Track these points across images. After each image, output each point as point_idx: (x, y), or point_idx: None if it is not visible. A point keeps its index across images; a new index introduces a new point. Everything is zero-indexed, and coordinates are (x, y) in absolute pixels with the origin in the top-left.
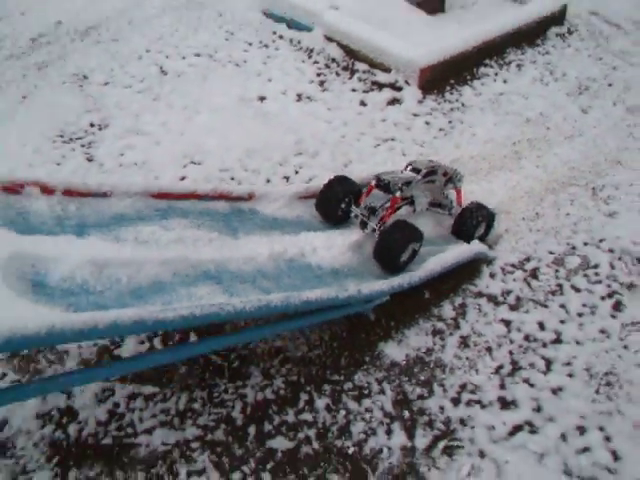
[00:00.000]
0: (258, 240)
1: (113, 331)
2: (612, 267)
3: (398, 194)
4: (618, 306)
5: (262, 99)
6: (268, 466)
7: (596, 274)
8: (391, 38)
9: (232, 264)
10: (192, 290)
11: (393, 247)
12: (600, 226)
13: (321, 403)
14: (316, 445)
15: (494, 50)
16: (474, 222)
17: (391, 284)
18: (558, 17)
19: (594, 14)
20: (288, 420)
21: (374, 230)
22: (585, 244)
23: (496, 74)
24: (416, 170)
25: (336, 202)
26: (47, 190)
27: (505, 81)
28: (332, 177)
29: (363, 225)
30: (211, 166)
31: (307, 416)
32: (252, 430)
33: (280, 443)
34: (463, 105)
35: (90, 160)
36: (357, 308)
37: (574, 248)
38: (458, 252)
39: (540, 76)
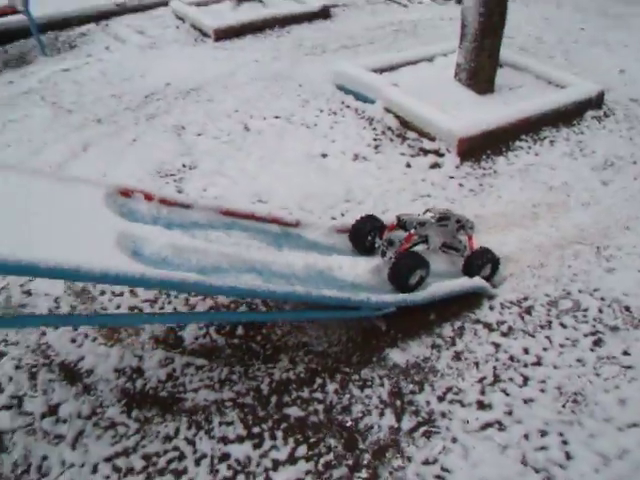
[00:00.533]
0: (297, 254)
1: (179, 287)
2: (600, 311)
3: (413, 231)
4: (598, 342)
5: (324, 156)
6: (282, 426)
7: (584, 316)
8: (437, 112)
9: (274, 266)
10: (240, 276)
11: (403, 271)
12: (597, 278)
13: (331, 387)
14: (322, 416)
15: (531, 127)
16: (480, 262)
17: (396, 298)
18: (596, 101)
19: (634, 101)
20: (303, 396)
21: (391, 258)
22: (580, 291)
23: (529, 147)
24: (432, 215)
25: (364, 235)
26: (148, 197)
27: (537, 154)
28: (363, 215)
29: (383, 254)
30: (274, 204)
31: (318, 395)
32: (274, 399)
33: (294, 411)
34: (495, 172)
35: (179, 191)
36: (367, 313)
37: (569, 294)
38: (460, 282)
39: (570, 152)
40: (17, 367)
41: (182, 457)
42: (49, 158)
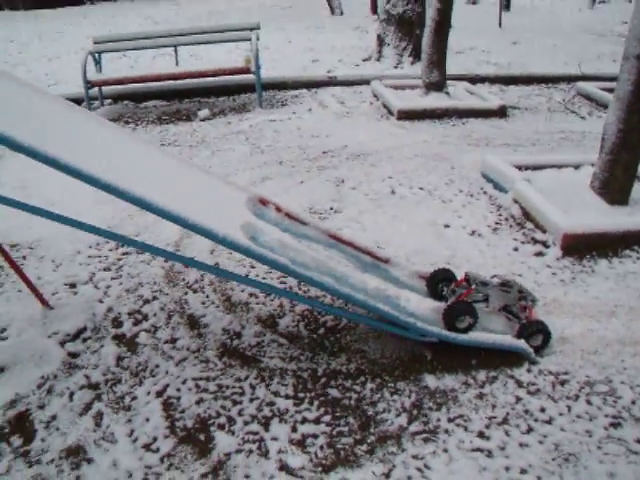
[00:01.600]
0: (376, 280)
1: (270, 264)
2: (633, 403)
3: (473, 287)
4: (616, 425)
5: (446, 226)
6: (320, 399)
7: (614, 401)
8: (553, 208)
9: (350, 279)
10: (323, 278)
11: (454, 314)
12: None
13: (369, 386)
14: (352, 402)
15: None
16: (532, 330)
17: (440, 331)
18: None
19: None
20: (345, 385)
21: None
22: (622, 382)
23: (638, 259)
24: (497, 280)
25: (437, 282)
26: (278, 209)
27: None
28: (441, 267)
29: (446, 300)
30: (388, 251)
31: (357, 387)
32: (323, 380)
33: (334, 392)
34: (593, 271)
35: None
36: (413, 335)
37: (610, 381)
38: (501, 338)
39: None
40: (161, 309)
41: (242, 394)
42: (235, 181)
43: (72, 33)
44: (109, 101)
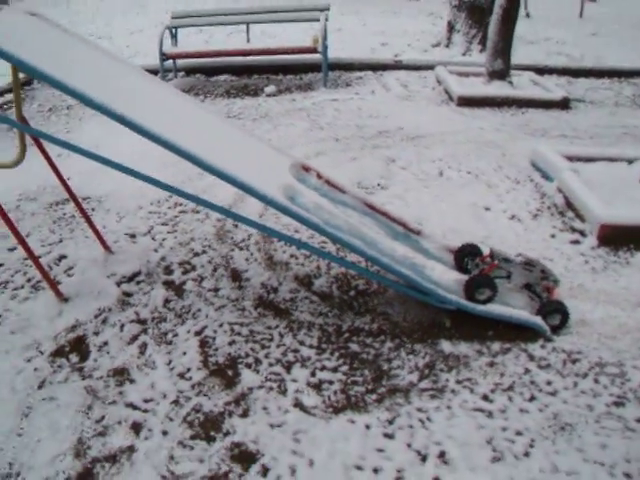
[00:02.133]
0: (404, 248)
1: (304, 222)
2: None
3: (496, 262)
4: (619, 404)
5: (487, 209)
6: (341, 351)
7: (622, 383)
8: (595, 199)
9: (379, 244)
10: (354, 240)
11: (474, 285)
12: None
13: (388, 344)
14: (370, 357)
15: None
16: (551, 309)
17: (458, 300)
18: None
19: None
20: (366, 341)
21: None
22: (634, 367)
23: None
24: (521, 258)
25: (463, 256)
26: (319, 176)
27: None
28: (469, 242)
29: (469, 273)
30: (425, 228)
31: (376, 345)
32: (346, 335)
33: (354, 347)
34: (627, 263)
35: None
36: (432, 301)
37: (622, 365)
38: (517, 312)
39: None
40: (209, 262)
41: (271, 339)
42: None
43: (154, 8)
44: (182, 73)
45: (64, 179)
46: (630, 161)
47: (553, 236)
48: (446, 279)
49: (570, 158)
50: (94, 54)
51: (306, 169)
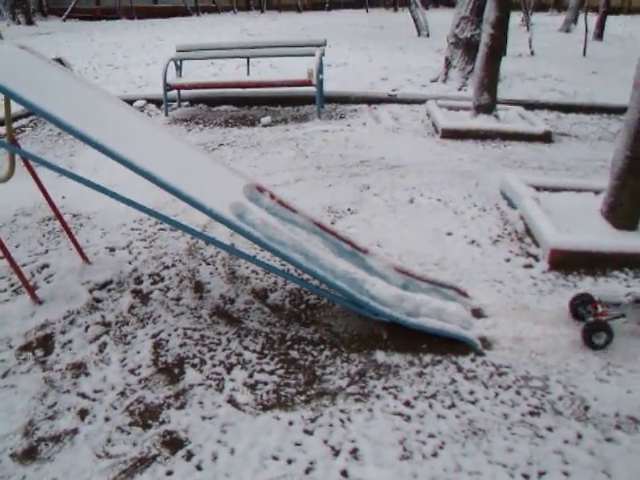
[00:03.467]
0: (347, 264)
1: (246, 235)
2: (560, 399)
3: (605, 309)
4: (534, 414)
5: (449, 234)
6: (280, 357)
7: (542, 395)
8: (549, 225)
9: (322, 260)
10: (292, 253)
11: (589, 331)
12: (583, 380)
13: (325, 353)
14: (307, 363)
15: (639, 264)
16: None
17: (391, 313)
18: None
19: None
20: (306, 349)
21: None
22: (557, 381)
23: (625, 280)
24: (633, 297)
25: (576, 306)
26: (272, 196)
27: (628, 286)
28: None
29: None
30: (383, 250)
31: (315, 353)
32: (288, 343)
33: (294, 353)
34: (575, 286)
35: (332, 223)
36: (367, 313)
37: (547, 379)
38: (450, 326)
39: (627, 293)
40: (176, 274)
41: (218, 344)
42: (271, 180)
43: (172, 41)
44: (186, 103)
45: (49, 197)
46: (597, 192)
47: (508, 260)
48: (385, 294)
49: (537, 188)
50: (73, 83)
51: (260, 190)
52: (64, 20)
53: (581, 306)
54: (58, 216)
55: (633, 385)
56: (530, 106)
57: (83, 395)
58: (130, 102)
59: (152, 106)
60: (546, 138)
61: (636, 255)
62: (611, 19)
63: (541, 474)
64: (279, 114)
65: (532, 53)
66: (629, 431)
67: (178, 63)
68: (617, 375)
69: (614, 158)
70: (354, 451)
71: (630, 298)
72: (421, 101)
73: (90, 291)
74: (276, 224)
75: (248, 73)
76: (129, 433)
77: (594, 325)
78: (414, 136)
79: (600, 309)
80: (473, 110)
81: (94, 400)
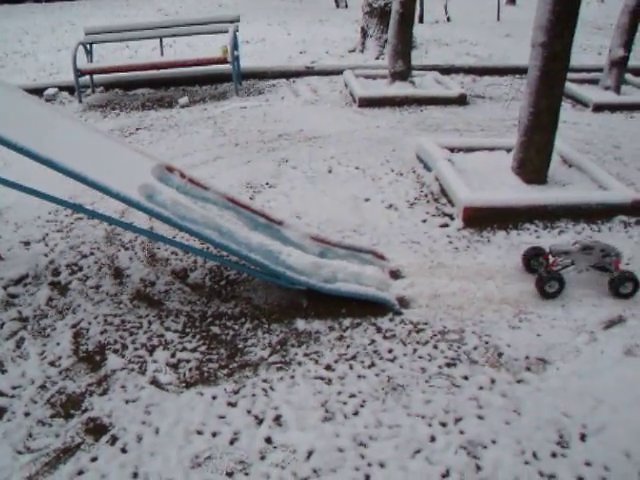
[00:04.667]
0: (262, 237)
1: (156, 216)
2: (475, 348)
3: (556, 259)
4: (450, 365)
5: (367, 200)
6: (202, 334)
7: (458, 347)
8: (462, 185)
9: (236, 234)
10: (205, 230)
11: (542, 282)
12: (497, 329)
13: (247, 325)
14: (229, 338)
15: (547, 216)
16: (622, 280)
17: (308, 280)
18: (630, 209)
19: None
20: (227, 324)
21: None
22: (473, 332)
23: (536, 231)
24: (580, 245)
25: (529, 259)
26: (182, 175)
27: (538, 237)
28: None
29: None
30: (303, 221)
31: (236, 327)
32: (210, 319)
33: (215, 329)
34: (488, 241)
35: (251, 199)
36: (283, 283)
37: (463, 332)
38: (366, 289)
39: (573, 242)
40: (95, 262)
41: (140, 327)
42: (190, 161)
43: (84, 25)
44: (101, 89)
45: None
46: (509, 150)
47: (424, 221)
48: (301, 263)
49: (452, 149)
50: None
51: (170, 170)
52: None
53: (533, 259)
54: None
55: (542, 329)
56: (446, 71)
57: (1, 393)
58: (41, 91)
59: (65, 94)
60: (461, 101)
61: (545, 207)
62: None
63: (457, 420)
64: (197, 94)
65: (448, 19)
66: (537, 371)
67: (88, 47)
68: (527, 321)
69: (520, 115)
70: (277, 418)
71: (578, 246)
72: (339, 72)
73: (4, 288)
74: (187, 203)
75: (162, 54)
76: (51, 425)
77: (547, 276)
78: (332, 107)
79: (551, 260)
80: (389, 78)
81: (12, 397)
